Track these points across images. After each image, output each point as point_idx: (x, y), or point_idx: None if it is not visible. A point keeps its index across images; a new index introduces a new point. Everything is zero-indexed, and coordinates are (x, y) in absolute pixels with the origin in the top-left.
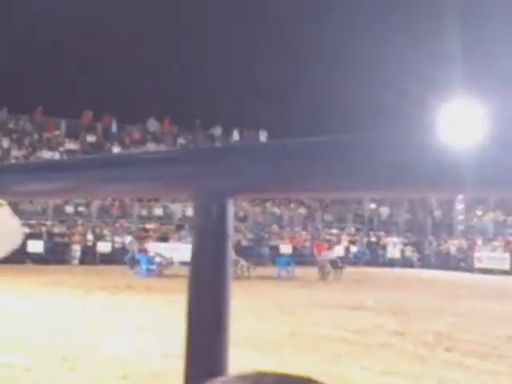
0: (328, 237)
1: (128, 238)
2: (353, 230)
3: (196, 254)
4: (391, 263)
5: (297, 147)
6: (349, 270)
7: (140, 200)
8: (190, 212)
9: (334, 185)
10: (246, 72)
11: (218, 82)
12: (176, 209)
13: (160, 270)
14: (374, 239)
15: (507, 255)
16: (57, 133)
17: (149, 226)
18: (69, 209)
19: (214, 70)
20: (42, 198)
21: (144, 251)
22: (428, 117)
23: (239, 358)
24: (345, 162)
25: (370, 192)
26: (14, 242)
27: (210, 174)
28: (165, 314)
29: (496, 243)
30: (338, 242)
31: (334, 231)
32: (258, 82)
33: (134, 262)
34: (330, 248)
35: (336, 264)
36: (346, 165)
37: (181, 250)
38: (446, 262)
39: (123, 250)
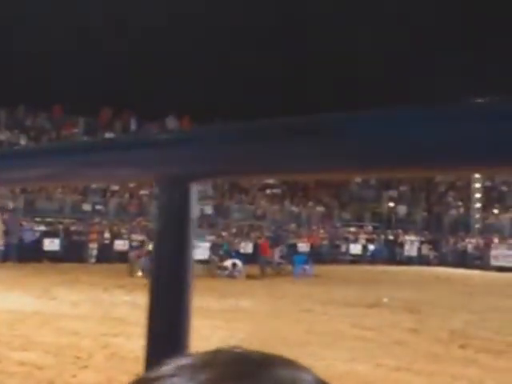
0: (346, 235)
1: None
2: (370, 228)
3: (158, 239)
4: (408, 261)
5: (261, 129)
6: (366, 268)
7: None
8: (208, 210)
9: (300, 166)
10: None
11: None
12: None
13: None
14: (391, 237)
15: None
16: (75, 131)
17: None
18: (86, 207)
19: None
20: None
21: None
22: None
23: None
24: (308, 143)
25: (334, 173)
26: None
27: (172, 159)
28: None
29: None
30: (356, 241)
31: (352, 229)
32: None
33: None
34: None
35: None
36: (309, 146)
37: (196, 248)
38: (462, 260)
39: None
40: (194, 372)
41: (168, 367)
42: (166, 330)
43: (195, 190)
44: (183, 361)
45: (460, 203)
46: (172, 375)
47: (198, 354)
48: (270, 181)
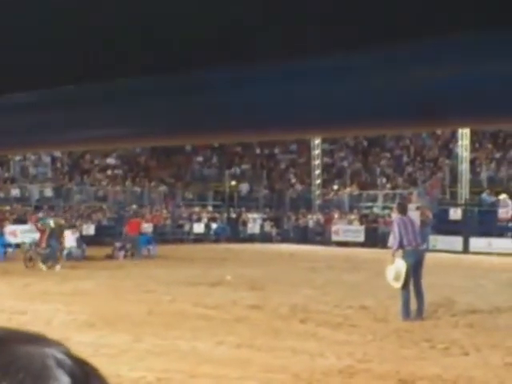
0: (189, 214)
1: None
2: (210, 207)
3: None
4: (251, 239)
5: None
6: (210, 247)
7: None
8: (48, 193)
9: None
10: None
11: None
12: (33, 190)
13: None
14: (234, 215)
15: (362, 228)
16: None
17: (5, 207)
18: None
19: None
20: None
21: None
22: None
23: (95, 338)
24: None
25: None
26: None
27: None
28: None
29: (352, 216)
30: (199, 220)
31: (196, 209)
32: None
33: None
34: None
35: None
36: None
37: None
38: (304, 236)
39: None
40: None
41: None
42: None
43: None
44: None
45: (300, 180)
46: None
47: None
48: (112, 161)
